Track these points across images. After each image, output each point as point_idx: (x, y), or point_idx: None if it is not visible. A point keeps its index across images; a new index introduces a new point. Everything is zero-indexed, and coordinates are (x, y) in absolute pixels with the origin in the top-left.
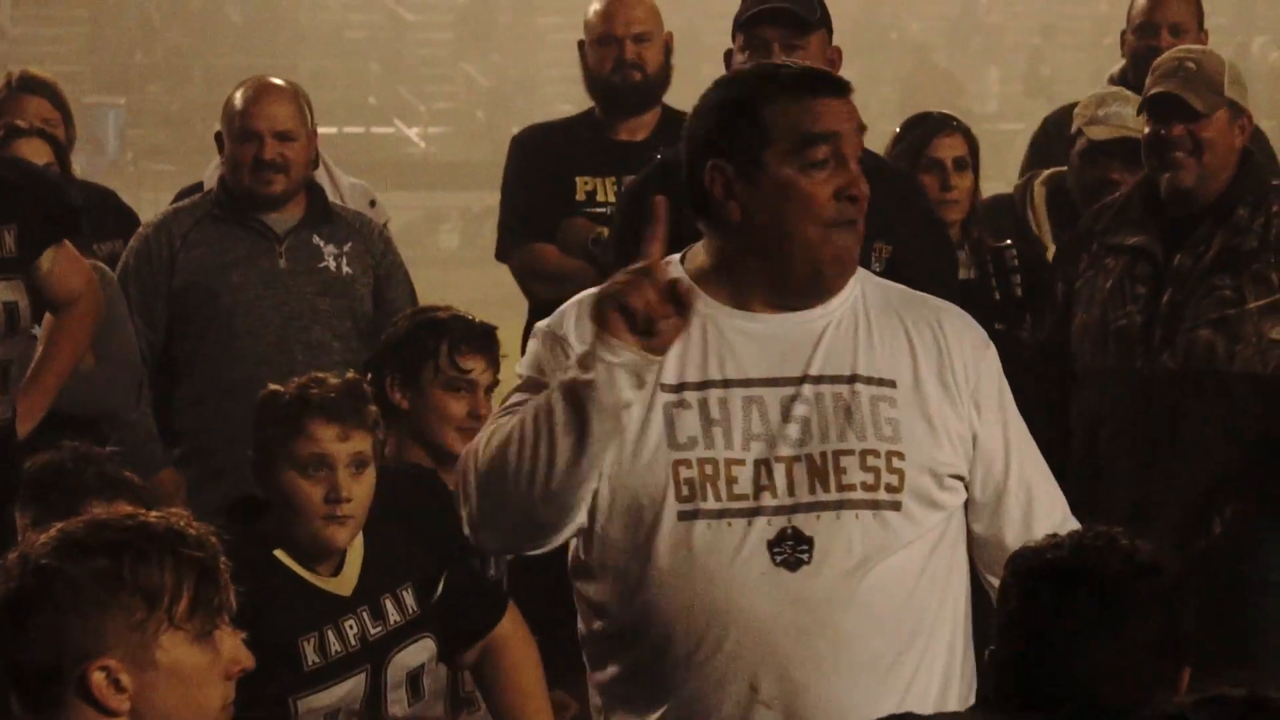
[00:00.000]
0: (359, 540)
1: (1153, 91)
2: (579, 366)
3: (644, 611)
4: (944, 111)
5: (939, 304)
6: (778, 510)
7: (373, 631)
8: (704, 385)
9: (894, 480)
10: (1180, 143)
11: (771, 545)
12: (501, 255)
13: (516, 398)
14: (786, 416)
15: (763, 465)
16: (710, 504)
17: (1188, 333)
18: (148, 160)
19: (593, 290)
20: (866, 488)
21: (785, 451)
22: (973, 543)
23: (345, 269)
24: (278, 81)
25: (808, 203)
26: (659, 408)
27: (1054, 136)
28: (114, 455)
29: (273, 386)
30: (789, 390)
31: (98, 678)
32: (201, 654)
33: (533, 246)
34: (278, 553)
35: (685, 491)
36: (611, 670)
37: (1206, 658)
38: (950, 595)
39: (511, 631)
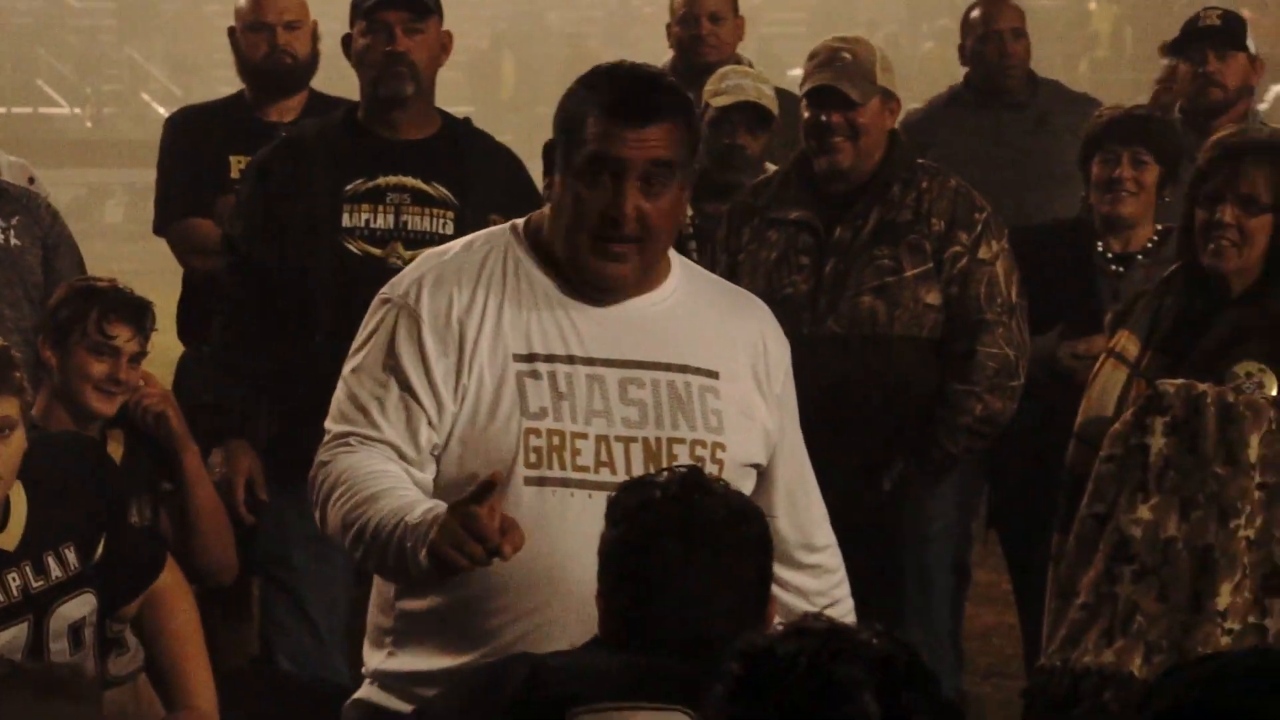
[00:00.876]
0: (23, 499)
1: (813, 82)
2: (413, 555)
3: None
4: None
5: (751, 297)
6: (616, 487)
7: (35, 585)
8: (552, 359)
9: (715, 470)
10: (838, 128)
11: None
12: (159, 229)
13: (363, 382)
14: (624, 398)
15: (603, 442)
16: (555, 472)
17: (851, 300)
18: None
19: (440, 257)
20: None
21: (623, 432)
22: None
23: (14, 241)
24: None
25: (576, 215)
26: (511, 376)
27: None
28: None
29: None
30: (626, 372)
31: None
32: None
33: (189, 222)
34: None
35: (534, 459)
36: (428, 602)
37: (871, 604)
38: None
39: (169, 582)
